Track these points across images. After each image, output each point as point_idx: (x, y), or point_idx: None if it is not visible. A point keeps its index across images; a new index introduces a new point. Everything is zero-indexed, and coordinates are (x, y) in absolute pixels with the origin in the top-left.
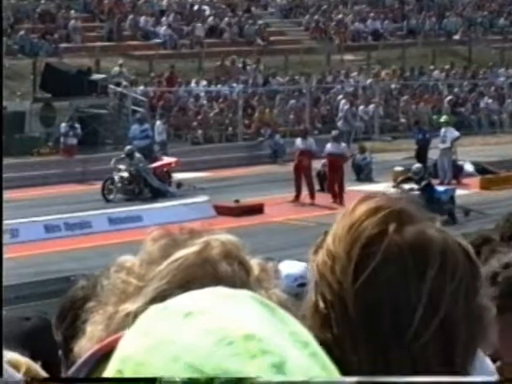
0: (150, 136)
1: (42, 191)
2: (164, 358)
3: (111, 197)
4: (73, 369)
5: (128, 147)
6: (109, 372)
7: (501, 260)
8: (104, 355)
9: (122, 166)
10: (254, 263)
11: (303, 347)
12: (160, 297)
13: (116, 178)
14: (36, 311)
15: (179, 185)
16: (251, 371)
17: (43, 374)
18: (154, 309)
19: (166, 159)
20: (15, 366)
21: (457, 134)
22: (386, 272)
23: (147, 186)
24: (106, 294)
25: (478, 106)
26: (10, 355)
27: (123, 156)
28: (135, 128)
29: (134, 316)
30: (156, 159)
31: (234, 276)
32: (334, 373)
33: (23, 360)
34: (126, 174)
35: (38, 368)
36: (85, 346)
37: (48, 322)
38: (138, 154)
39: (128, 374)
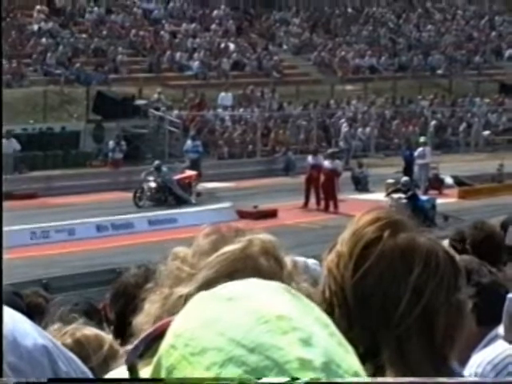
0: (199, 151)
1: (94, 197)
2: (211, 334)
3: (141, 203)
4: (133, 345)
5: (156, 162)
6: (163, 347)
7: None
8: (158, 336)
9: (150, 178)
10: (288, 260)
11: (324, 328)
12: (208, 283)
13: (145, 187)
14: (85, 298)
15: (199, 194)
16: (283, 344)
17: (121, 350)
18: (202, 295)
19: (188, 172)
20: (100, 343)
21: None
22: (378, 268)
23: (172, 195)
24: (162, 278)
25: (457, 130)
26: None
27: (152, 169)
28: (188, 144)
29: (185, 298)
30: (181, 172)
31: (270, 270)
32: (347, 347)
33: (107, 338)
34: (153, 185)
35: (117, 345)
36: (142, 321)
37: (94, 306)
38: (164, 168)
39: (180, 348)
